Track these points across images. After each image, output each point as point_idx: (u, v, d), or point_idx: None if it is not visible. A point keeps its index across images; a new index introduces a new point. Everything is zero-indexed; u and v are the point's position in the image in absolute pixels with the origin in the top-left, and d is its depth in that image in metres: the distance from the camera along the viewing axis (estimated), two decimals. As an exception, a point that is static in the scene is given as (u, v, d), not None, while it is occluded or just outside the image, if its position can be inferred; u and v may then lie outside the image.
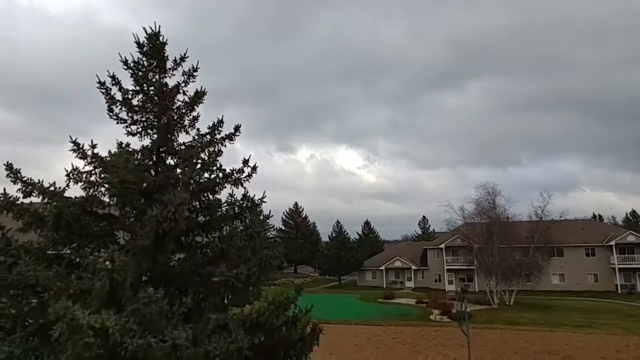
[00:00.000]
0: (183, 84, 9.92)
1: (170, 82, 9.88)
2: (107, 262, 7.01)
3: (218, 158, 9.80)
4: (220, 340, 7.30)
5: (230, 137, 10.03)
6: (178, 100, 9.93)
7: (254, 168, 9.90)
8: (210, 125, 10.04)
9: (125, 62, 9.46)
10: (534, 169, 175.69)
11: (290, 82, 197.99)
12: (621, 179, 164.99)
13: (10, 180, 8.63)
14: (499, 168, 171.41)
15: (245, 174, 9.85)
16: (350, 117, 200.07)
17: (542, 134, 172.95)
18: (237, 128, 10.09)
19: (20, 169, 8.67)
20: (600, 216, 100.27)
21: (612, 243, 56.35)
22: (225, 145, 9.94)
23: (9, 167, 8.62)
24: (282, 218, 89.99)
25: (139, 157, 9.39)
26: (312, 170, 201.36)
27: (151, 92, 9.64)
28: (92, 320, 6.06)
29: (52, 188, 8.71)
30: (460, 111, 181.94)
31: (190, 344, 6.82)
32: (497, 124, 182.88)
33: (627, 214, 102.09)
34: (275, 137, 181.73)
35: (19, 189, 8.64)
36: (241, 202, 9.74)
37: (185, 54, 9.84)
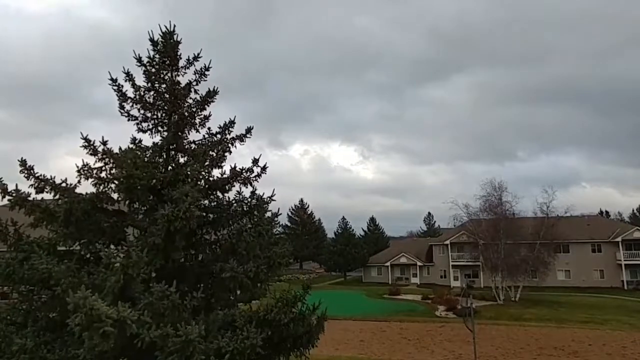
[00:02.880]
0: (195, 83, 10.00)
1: (182, 80, 9.99)
2: (120, 257, 7.12)
3: (227, 155, 9.90)
4: (233, 336, 7.39)
5: (240, 138, 10.10)
6: (190, 98, 10.01)
7: (264, 168, 9.99)
8: (221, 125, 10.15)
9: (139, 59, 9.54)
10: (532, 164, 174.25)
11: (278, 77, 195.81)
12: (622, 175, 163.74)
13: (24, 177, 8.74)
14: (496, 163, 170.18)
15: (255, 173, 9.93)
16: (342, 113, 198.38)
17: (538, 127, 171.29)
18: (248, 130, 10.15)
19: (33, 165, 8.80)
20: (606, 212, 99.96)
21: (619, 239, 56.08)
22: (235, 146, 10.03)
23: (22, 163, 8.73)
24: (287, 214, 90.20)
25: (149, 153, 9.48)
26: (308, 167, 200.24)
27: (163, 90, 9.72)
28: (110, 311, 6.15)
29: (63, 184, 8.82)
30: (453, 105, 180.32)
31: (202, 339, 6.91)
32: (491, 117, 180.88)
33: (633, 210, 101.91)
34: (266, 133, 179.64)
35: (31, 185, 8.75)
36: (250, 199, 9.81)
37: (199, 54, 9.91)
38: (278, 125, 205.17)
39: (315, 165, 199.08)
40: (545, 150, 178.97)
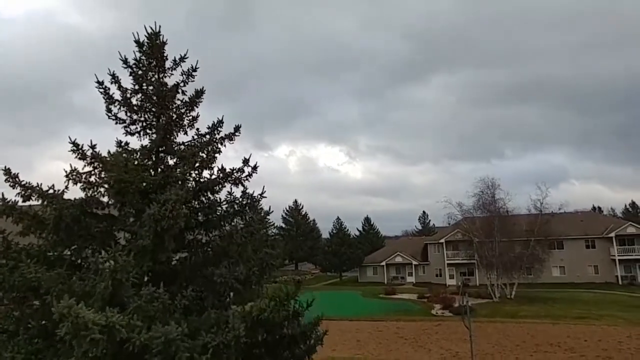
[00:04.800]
0: (182, 84, 9.91)
1: (170, 81, 9.87)
2: (110, 262, 7.03)
3: (217, 156, 9.82)
4: (218, 331, 7.31)
5: (230, 137, 10.01)
6: (177, 99, 9.91)
7: (255, 168, 9.88)
8: (210, 125, 10.06)
9: (125, 61, 9.44)
10: (519, 161, 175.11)
11: (258, 79, 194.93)
12: (609, 172, 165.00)
13: (9, 185, 8.62)
14: (484, 161, 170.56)
15: (246, 173, 9.84)
16: (325, 115, 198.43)
17: (524, 126, 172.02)
18: (237, 128, 10.06)
19: (18, 173, 8.68)
20: (599, 208, 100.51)
21: (612, 235, 56.44)
22: (225, 145, 9.94)
23: (7, 171, 8.62)
24: (282, 215, 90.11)
25: (138, 156, 9.39)
26: (296, 168, 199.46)
27: (150, 92, 9.62)
28: (97, 317, 6.08)
29: (51, 191, 8.71)
30: (436, 104, 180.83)
31: (187, 338, 6.83)
32: (476, 116, 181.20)
33: (626, 206, 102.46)
34: (250, 135, 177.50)
35: (18, 193, 8.63)
36: (241, 199, 9.74)
37: (185, 55, 9.82)
38: (261, 127, 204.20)
39: (303, 166, 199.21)
40: (532, 148, 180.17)
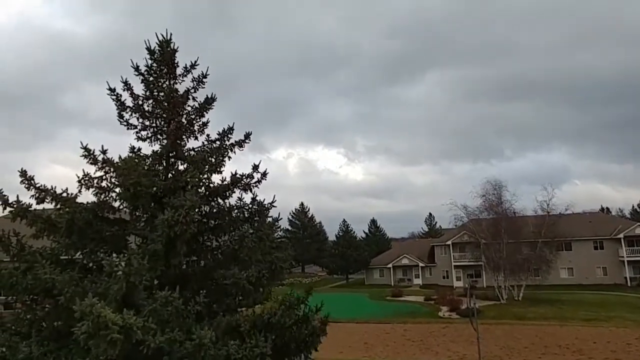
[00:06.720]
0: (192, 90, 10.03)
1: (180, 88, 10.01)
2: (123, 265, 7.16)
3: (225, 162, 9.92)
4: (242, 344, 7.44)
5: (240, 143, 10.13)
6: (188, 105, 10.04)
7: (264, 174, 10.00)
8: (220, 131, 10.18)
9: (137, 68, 9.58)
10: (519, 162, 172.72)
11: (249, 80, 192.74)
12: (609, 170, 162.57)
13: (24, 187, 8.76)
14: (482, 162, 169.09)
15: (255, 179, 9.94)
16: (321, 116, 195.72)
17: (521, 125, 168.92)
18: (247, 135, 10.19)
19: (34, 176, 8.82)
20: (607, 209, 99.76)
21: (621, 236, 55.97)
22: (235, 152, 10.05)
23: (23, 174, 8.77)
24: (288, 218, 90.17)
25: (149, 162, 9.52)
26: (296, 170, 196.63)
27: (161, 98, 9.75)
28: (115, 318, 6.20)
29: (64, 194, 8.85)
30: (433, 104, 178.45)
31: (212, 344, 6.97)
32: (473, 115, 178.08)
33: (633, 206, 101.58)
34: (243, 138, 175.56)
35: (32, 196, 8.78)
36: (250, 206, 9.84)
37: (195, 61, 9.95)
38: (256, 129, 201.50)
39: (302, 169, 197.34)
40: (532, 148, 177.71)
